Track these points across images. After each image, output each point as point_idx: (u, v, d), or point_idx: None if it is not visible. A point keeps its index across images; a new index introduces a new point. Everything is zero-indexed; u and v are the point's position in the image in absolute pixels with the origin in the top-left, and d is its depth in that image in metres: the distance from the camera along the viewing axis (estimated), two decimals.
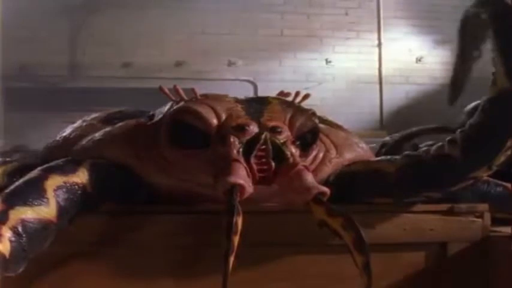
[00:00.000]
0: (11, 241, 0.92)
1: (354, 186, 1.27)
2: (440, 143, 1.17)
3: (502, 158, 1.11)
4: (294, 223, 1.21)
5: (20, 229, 0.94)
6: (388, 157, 1.32)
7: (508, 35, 1.08)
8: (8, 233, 0.92)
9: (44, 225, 0.98)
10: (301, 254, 1.23)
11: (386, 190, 1.23)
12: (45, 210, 0.99)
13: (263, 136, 1.14)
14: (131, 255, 1.19)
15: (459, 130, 1.14)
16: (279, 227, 1.22)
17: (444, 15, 6.08)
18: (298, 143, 1.21)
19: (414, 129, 2.72)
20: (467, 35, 1.35)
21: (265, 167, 1.13)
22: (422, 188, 1.21)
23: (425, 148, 1.22)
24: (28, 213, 0.96)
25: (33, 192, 1.01)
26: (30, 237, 0.95)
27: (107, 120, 1.44)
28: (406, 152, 1.24)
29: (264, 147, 1.13)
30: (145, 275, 1.19)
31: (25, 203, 0.98)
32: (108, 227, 1.18)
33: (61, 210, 1.02)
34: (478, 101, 1.14)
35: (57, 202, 1.02)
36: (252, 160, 1.12)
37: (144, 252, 1.19)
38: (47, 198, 1.01)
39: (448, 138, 1.16)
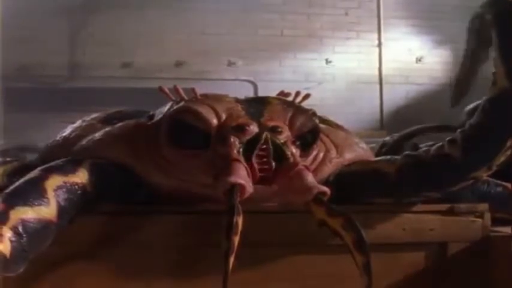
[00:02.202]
0: (11, 241, 0.92)
1: (353, 186, 1.27)
2: (440, 143, 1.17)
3: (502, 158, 1.11)
4: (294, 223, 1.21)
5: (20, 229, 0.94)
6: (388, 157, 1.32)
7: (508, 35, 1.08)
8: (8, 233, 0.92)
9: (44, 225, 0.98)
10: (301, 254, 1.23)
11: (386, 190, 1.23)
12: (45, 210, 0.99)
13: (263, 136, 1.14)
14: (131, 255, 1.19)
15: (459, 130, 1.14)
16: (279, 227, 1.22)
17: (444, 15, 6.08)
18: (298, 143, 1.21)
19: (414, 128, 2.71)
20: (475, 36, 1.35)
21: (265, 167, 1.13)
22: (422, 188, 1.21)
23: (425, 148, 1.22)
24: (28, 213, 0.96)
25: (33, 192, 1.01)
26: (30, 237, 0.95)
27: (107, 120, 1.43)
28: (406, 152, 1.24)
29: (264, 147, 1.13)
30: (146, 275, 1.19)
31: (25, 203, 0.97)
32: (108, 227, 1.18)
33: (61, 210, 1.02)
34: (479, 102, 1.14)
35: (57, 202, 1.02)
36: (253, 160, 1.12)
37: (144, 252, 1.19)
38: (47, 198, 1.01)
39: (448, 138, 1.16)
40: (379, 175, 1.23)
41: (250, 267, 1.19)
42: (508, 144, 1.08)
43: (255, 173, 1.11)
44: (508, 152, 1.10)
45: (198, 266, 1.20)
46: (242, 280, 1.07)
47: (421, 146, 2.03)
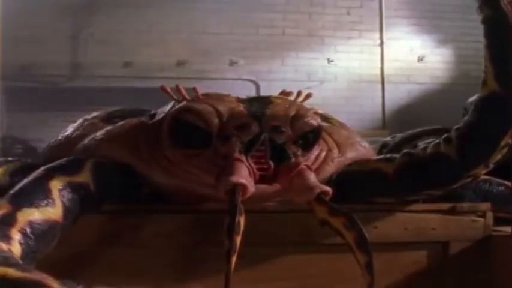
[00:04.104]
0: (20, 243, 0.91)
1: (354, 186, 1.27)
2: (437, 141, 1.17)
3: (498, 156, 1.11)
4: (295, 223, 1.21)
5: (28, 231, 0.93)
6: (388, 156, 1.32)
7: (498, 38, 1.07)
8: (17, 236, 0.91)
9: (51, 226, 0.98)
10: (303, 254, 1.23)
11: (386, 189, 1.23)
12: (51, 211, 0.99)
13: (262, 137, 1.14)
14: (132, 254, 1.19)
15: (454, 128, 1.14)
16: (280, 227, 1.21)
17: (446, 15, 6.08)
18: (300, 142, 1.21)
19: (417, 130, 2.70)
20: None
21: (264, 167, 1.13)
22: (421, 187, 1.21)
23: (423, 146, 1.22)
24: (35, 215, 0.96)
25: (38, 193, 1.00)
26: (38, 238, 0.94)
27: (108, 119, 1.43)
28: (404, 151, 1.24)
29: (262, 148, 1.13)
30: (146, 275, 1.19)
31: (31, 204, 0.97)
32: (109, 227, 1.18)
33: (66, 211, 1.02)
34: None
35: (62, 202, 1.02)
36: (251, 159, 1.12)
37: (145, 251, 1.19)
38: (52, 199, 1.01)
39: (444, 136, 1.16)
40: (379, 175, 1.23)
41: (252, 266, 1.19)
42: (502, 143, 1.08)
43: (255, 173, 1.11)
44: (504, 150, 1.10)
45: (199, 265, 1.20)
46: (244, 279, 1.07)
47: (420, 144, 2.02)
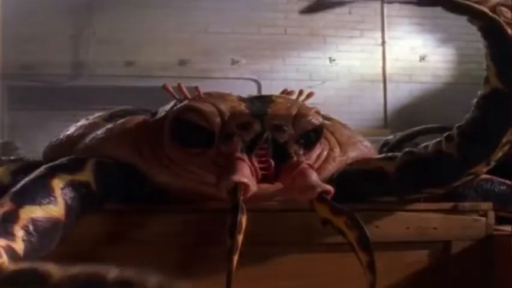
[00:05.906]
0: (24, 240, 0.90)
1: (355, 185, 1.27)
2: (438, 139, 1.17)
3: (499, 154, 1.11)
4: (296, 221, 1.21)
5: (31, 228, 0.92)
6: (389, 155, 1.32)
7: (497, 40, 1.06)
8: (20, 233, 0.91)
9: (53, 224, 0.97)
10: (304, 253, 1.23)
11: (388, 188, 1.23)
12: (54, 209, 0.99)
13: (264, 136, 1.14)
14: (133, 254, 1.18)
15: (456, 126, 1.14)
16: (281, 226, 1.22)
17: (447, 14, 6.07)
18: (302, 141, 1.21)
19: (417, 128, 2.71)
20: None
21: (266, 166, 1.13)
22: (422, 185, 1.21)
23: (424, 144, 1.22)
24: (38, 212, 0.95)
25: (41, 191, 1.00)
26: (40, 236, 0.94)
27: (111, 119, 1.43)
28: (406, 149, 1.24)
29: (264, 145, 1.13)
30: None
31: (34, 202, 0.97)
32: (110, 226, 1.18)
33: (69, 209, 1.02)
34: None
35: (65, 200, 1.02)
36: (253, 158, 1.12)
37: (146, 251, 1.19)
38: (55, 197, 1.00)
39: (445, 134, 1.16)
40: (380, 173, 1.23)
41: (253, 265, 1.19)
42: (504, 140, 1.08)
43: (257, 172, 1.11)
44: (506, 148, 1.10)
45: (201, 264, 1.20)
46: (245, 278, 1.07)
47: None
